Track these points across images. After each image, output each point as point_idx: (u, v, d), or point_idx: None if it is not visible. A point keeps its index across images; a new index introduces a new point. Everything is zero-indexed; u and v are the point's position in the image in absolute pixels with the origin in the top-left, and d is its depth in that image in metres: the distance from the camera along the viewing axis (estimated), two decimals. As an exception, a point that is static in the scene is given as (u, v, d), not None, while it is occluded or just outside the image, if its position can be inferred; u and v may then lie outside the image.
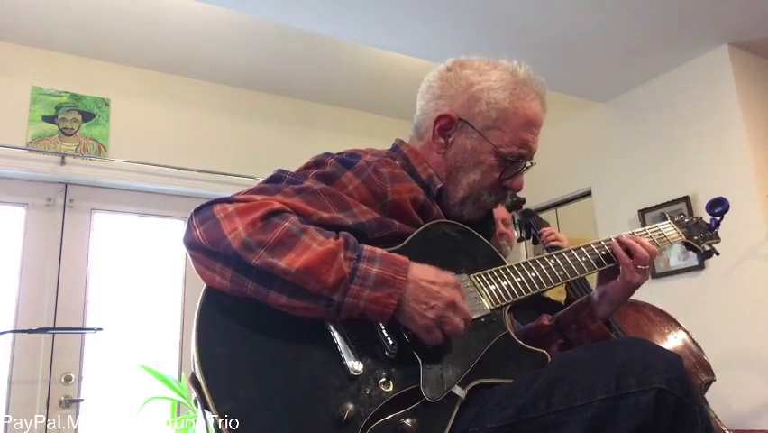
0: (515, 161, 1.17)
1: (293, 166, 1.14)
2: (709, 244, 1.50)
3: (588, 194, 3.91)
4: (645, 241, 1.25)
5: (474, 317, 1.02)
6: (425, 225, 1.13)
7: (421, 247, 1.09)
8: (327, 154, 1.12)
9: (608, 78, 3.52)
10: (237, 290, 0.93)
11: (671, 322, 2.02)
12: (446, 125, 1.18)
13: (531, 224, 2.23)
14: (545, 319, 1.36)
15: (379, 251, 0.97)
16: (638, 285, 1.24)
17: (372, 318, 0.95)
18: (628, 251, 1.23)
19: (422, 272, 0.98)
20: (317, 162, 1.11)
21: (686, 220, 1.50)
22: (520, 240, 2.33)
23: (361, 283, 0.92)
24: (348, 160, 1.10)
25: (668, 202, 3.32)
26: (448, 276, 1.01)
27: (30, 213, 3.13)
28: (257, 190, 1.03)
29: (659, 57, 3.31)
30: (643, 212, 3.45)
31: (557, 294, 2.16)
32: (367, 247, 0.97)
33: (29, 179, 3.13)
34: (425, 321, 0.94)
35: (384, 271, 0.94)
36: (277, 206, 0.97)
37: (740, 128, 3.11)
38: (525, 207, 2.28)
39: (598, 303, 1.28)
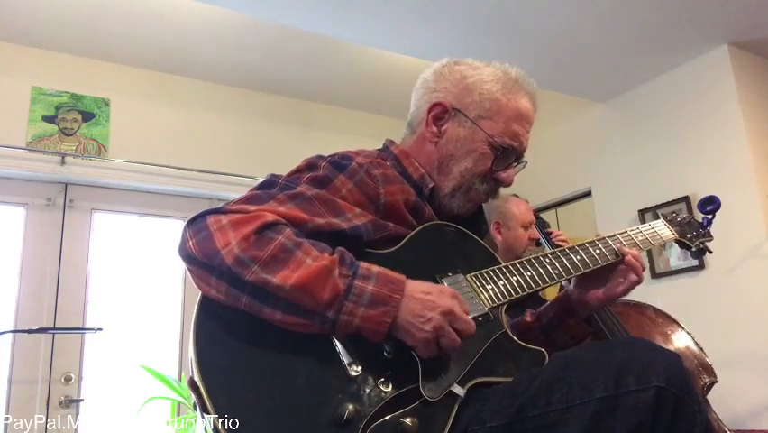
0: (506, 149, 1.18)
1: (292, 166, 1.13)
2: (702, 243, 1.51)
3: (588, 194, 3.90)
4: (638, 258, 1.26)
5: (472, 316, 1.02)
6: (420, 227, 1.13)
7: (417, 248, 1.10)
8: (320, 157, 1.12)
9: (607, 78, 3.52)
10: (232, 304, 0.93)
11: (673, 324, 2.02)
12: (440, 114, 1.21)
13: (537, 226, 2.25)
14: (528, 315, 1.37)
15: (375, 268, 0.97)
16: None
17: (367, 336, 0.94)
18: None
19: (417, 286, 0.98)
20: (310, 165, 1.10)
21: (678, 219, 1.52)
22: None
23: (355, 301, 0.92)
24: (340, 162, 1.10)
25: (668, 202, 3.32)
26: (444, 287, 1.01)
27: (30, 213, 3.13)
28: (249, 199, 1.02)
29: (659, 57, 3.31)
30: (643, 212, 3.44)
31: (554, 293, 2.16)
32: (363, 264, 0.96)
33: (29, 179, 3.13)
34: (422, 334, 0.94)
35: (380, 290, 0.94)
36: (270, 218, 0.95)
37: (740, 128, 3.11)
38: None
39: (578, 304, 1.29)
